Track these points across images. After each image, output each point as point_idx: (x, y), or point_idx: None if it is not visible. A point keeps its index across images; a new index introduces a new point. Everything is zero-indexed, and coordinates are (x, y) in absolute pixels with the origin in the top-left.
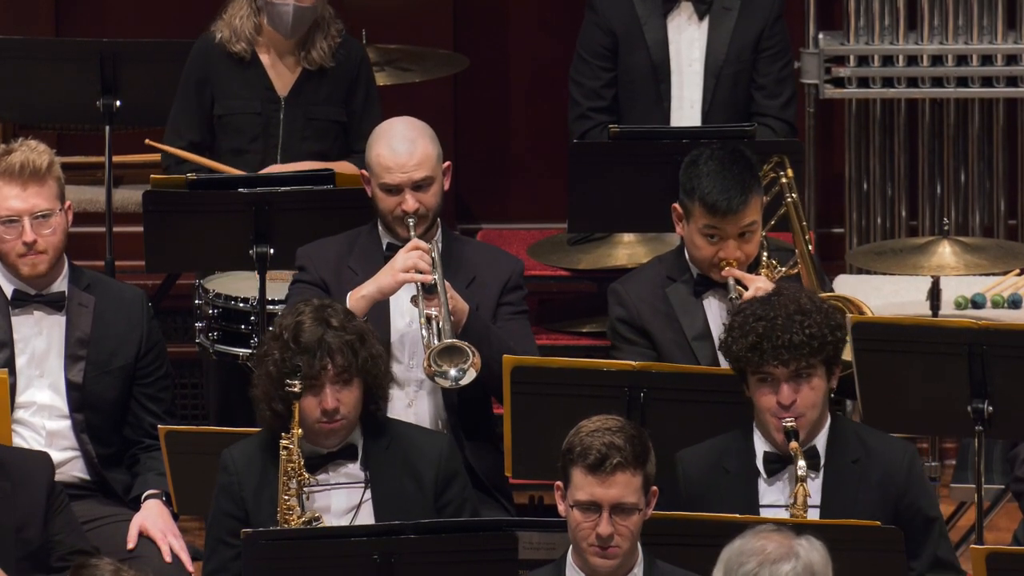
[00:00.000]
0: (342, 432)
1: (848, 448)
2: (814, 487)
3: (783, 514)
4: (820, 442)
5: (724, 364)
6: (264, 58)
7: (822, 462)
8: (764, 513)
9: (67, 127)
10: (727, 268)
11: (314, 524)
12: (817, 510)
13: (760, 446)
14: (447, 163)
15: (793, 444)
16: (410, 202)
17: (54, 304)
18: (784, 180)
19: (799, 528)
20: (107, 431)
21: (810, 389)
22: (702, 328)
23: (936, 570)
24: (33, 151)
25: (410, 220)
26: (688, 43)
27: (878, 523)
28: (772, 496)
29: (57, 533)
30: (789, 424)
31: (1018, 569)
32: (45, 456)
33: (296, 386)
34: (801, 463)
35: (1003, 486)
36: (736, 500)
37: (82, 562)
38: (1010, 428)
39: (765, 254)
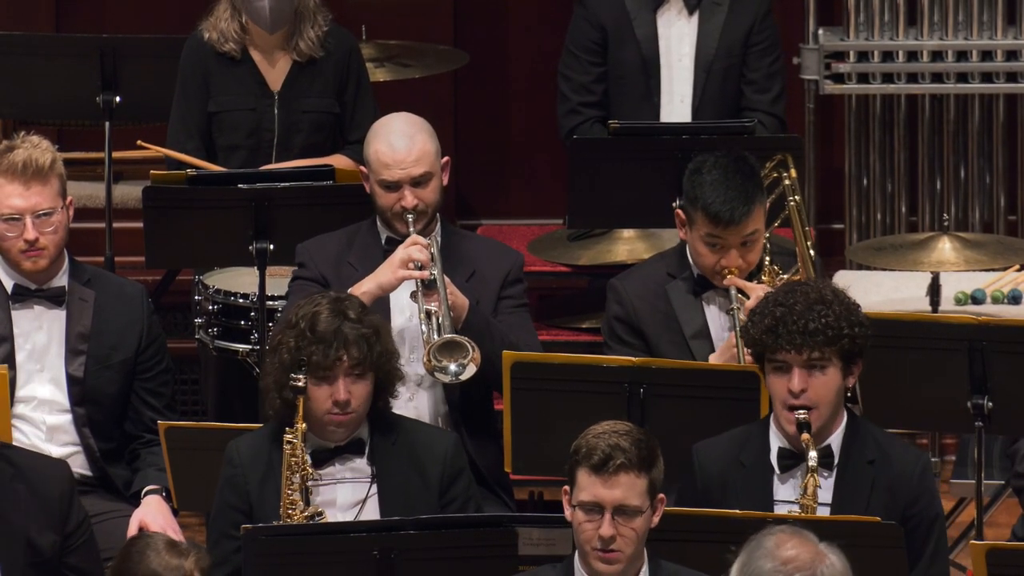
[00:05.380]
0: (351, 425)
1: (863, 449)
2: (826, 485)
3: (796, 510)
4: (835, 441)
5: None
6: (255, 54)
7: (836, 461)
8: (777, 510)
9: (67, 123)
10: (729, 277)
11: (316, 519)
12: (828, 508)
13: (775, 442)
14: (446, 158)
15: (804, 436)
16: (409, 198)
17: (54, 299)
18: (787, 181)
19: (818, 533)
20: (108, 426)
21: (823, 381)
22: (700, 327)
23: None
24: (36, 148)
25: (409, 216)
26: (678, 38)
27: (878, 519)
28: (785, 493)
29: (78, 563)
30: (802, 416)
31: (1018, 564)
32: (63, 464)
33: (300, 380)
34: (812, 454)
35: (1003, 482)
36: (751, 495)
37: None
38: (1010, 424)
39: (767, 259)
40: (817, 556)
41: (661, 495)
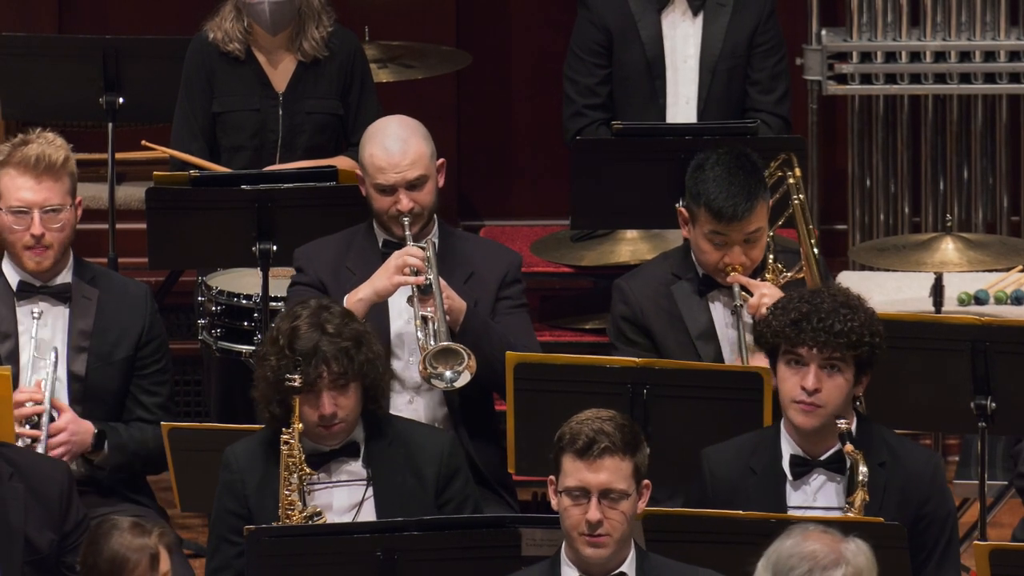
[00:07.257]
0: (341, 434)
1: (874, 451)
2: (838, 490)
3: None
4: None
5: (727, 363)
6: (259, 55)
7: (848, 464)
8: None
9: (70, 124)
10: (732, 274)
11: (315, 519)
12: (839, 512)
13: (787, 448)
14: (441, 160)
15: (848, 447)
16: (404, 202)
17: (59, 296)
18: (791, 180)
19: (845, 528)
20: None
21: (836, 383)
22: (706, 327)
23: None
24: (50, 144)
25: (405, 219)
26: (683, 39)
27: (881, 519)
28: (798, 499)
29: (77, 562)
30: (844, 425)
31: (1021, 565)
32: (62, 464)
33: (296, 380)
34: (863, 469)
35: (1006, 482)
36: (763, 502)
37: (103, 518)
38: (1013, 424)
39: (771, 257)
40: (842, 548)
41: (647, 481)
